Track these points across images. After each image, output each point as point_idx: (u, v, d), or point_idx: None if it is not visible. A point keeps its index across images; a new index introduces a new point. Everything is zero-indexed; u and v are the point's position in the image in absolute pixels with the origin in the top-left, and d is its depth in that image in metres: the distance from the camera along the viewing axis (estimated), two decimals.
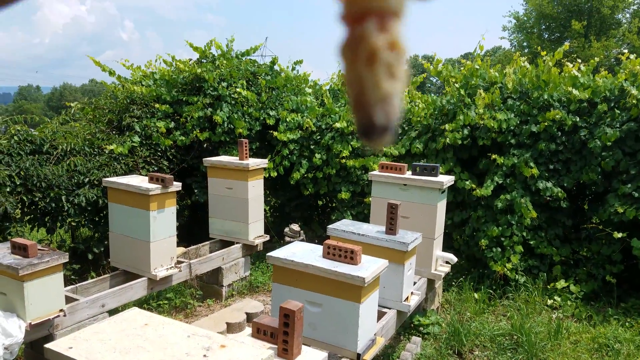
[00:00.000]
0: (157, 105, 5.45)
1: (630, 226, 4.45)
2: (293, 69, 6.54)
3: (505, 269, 4.61)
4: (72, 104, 5.58)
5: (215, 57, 6.15)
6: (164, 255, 3.91)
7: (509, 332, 3.87)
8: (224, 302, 4.54)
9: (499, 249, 4.68)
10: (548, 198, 4.75)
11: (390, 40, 0.28)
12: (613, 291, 4.50)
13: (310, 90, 6.23)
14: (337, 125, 5.44)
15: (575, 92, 4.68)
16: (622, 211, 4.31)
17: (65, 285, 3.45)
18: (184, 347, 1.50)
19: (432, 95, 5.93)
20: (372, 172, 4.14)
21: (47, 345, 1.51)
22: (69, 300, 3.31)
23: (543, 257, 4.83)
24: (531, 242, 4.73)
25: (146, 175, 3.98)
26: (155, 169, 5.14)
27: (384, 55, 0.28)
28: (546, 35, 24.65)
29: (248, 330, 2.15)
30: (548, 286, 4.66)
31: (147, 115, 5.42)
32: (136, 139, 5.07)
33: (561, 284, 4.61)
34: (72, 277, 4.40)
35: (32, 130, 4.76)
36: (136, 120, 5.26)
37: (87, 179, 4.44)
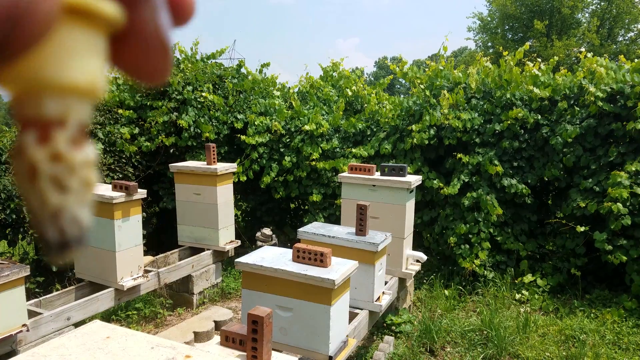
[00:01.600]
0: (120, 111, 5.34)
1: (592, 220, 4.59)
2: (260, 71, 6.51)
3: (474, 265, 4.69)
4: None
5: (180, 61, 6.07)
6: (131, 264, 3.82)
7: (479, 328, 3.93)
8: (195, 310, 4.47)
9: (467, 246, 4.76)
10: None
11: (54, 151, 0.25)
12: (578, 283, 4.63)
13: (278, 93, 6.21)
14: (307, 127, 5.44)
15: (536, 90, 4.81)
16: (584, 205, 4.45)
17: (29, 299, 3.34)
18: (147, 359, 1.46)
19: (402, 96, 6.00)
20: (341, 174, 4.15)
21: None
22: (32, 314, 3.20)
23: (510, 253, 4.94)
24: (498, 238, 4.82)
25: (110, 184, 3.89)
26: (120, 176, 5.03)
27: (46, 169, 0.25)
28: (510, 36, 25.26)
29: (216, 338, 2.12)
30: (516, 281, 4.76)
31: (110, 121, 5.30)
32: (99, 146, 4.94)
33: (528, 278, 4.72)
34: (37, 290, 4.25)
35: None
36: (99, 127, 5.13)
37: None
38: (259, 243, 5.35)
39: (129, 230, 3.77)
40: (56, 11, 0.23)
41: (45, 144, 0.25)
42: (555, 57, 5.26)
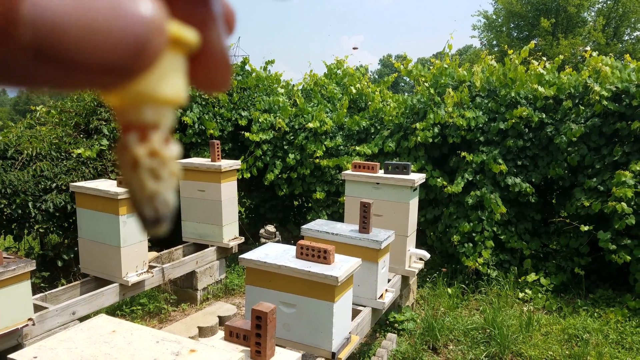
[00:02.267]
0: None
1: (596, 219, 4.58)
2: (265, 68, 6.51)
3: (477, 264, 4.70)
4: (37, 108, 5.44)
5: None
6: (136, 260, 3.85)
7: (482, 326, 3.94)
8: (199, 306, 4.49)
9: (471, 245, 4.76)
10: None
11: (151, 149, 0.33)
12: (581, 283, 4.63)
13: (282, 90, 6.22)
14: (310, 125, 5.45)
15: (541, 89, 4.80)
16: (588, 205, 4.44)
17: (35, 294, 3.37)
18: (152, 353, 1.48)
19: (406, 94, 6.00)
20: (345, 172, 4.15)
21: (11, 356, 1.47)
22: (38, 308, 3.23)
23: (513, 251, 4.94)
24: (502, 237, 4.82)
25: (115, 179, 3.91)
26: None
27: (145, 162, 0.33)
28: (515, 34, 25.17)
29: (220, 333, 2.14)
30: (519, 279, 4.76)
31: (116, 117, 5.32)
32: (104, 142, 4.97)
33: (532, 277, 4.72)
34: (42, 284, 4.29)
35: None
36: (104, 123, 5.16)
37: (55, 184, 4.33)
38: (263, 240, 5.37)
39: (134, 226, 3.79)
40: (165, 43, 0.29)
41: (144, 143, 0.33)
42: (560, 55, 5.25)
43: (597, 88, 4.55)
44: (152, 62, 0.28)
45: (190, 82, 0.34)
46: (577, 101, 4.80)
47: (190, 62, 0.33)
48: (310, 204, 6.02)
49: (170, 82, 0.31)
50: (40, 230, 4.42)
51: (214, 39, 0.33)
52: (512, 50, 5.35)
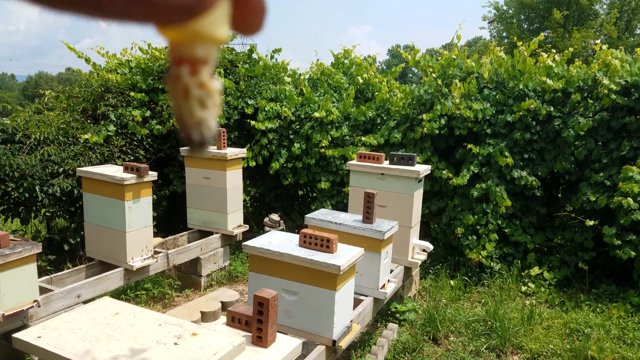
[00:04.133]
0: (132, 94, 5.37)
1: (602, 214, 4.56)
2: (272, 57, 6.50)
3: (481, 257, 4.70)
4: (45, 92, 5.46)
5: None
6: (140, 245, 3.88)
7: (484, 318, 3.95)
8: (203, 292, 4.53)
9: (475, 237, 4.76)
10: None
11: (200, 81, 0.38)
12: (585, 277, 4.62)
13: (289, 79, 6.20)
14: (316, 114, 5.43)
15: (549, 82, 4.75)
16: (594, 199, 4.42)
17: (40, 276, 3.41)
18: (154, 335, 1.50)
19: (413, 85, 5.97)
20: (350, 162, 4.15)
21: (15, 335, 1.50)
22: (43, 291, 3.27)
23: (517, 245, 4.93)
24: (506, 230, 4.81)
25: (121, 165, 3.93)
26: (132, 158, 5.08)
27: (195, 92, 0.38)
28: (525, 26, 24.90)
29: (223, 319, 2.16)
30: (522, 273, 4.76)
31: (123, 104, 5.33)
32: (111, 128, 4.99)
33: (535, 270, 4.72)
34: (48, 267, 4.34)
35: (4, 119, 4.66)
36: (111, 109, 5.18)
37: (62, 169, 4.37)
38: (267, 228, 5.39)
39: (139, 212, 3.82)
40: None
41: (195, 75, 0.37)
42: (570, 48, 5.19)
43: (606, 82, 4.51)
44: (213, 6, 0.33)
45: (231, 26, 0.38)
46: (585, 94, 4.76)
47: (232, 6, 0.37)
48: (314, 194, 6.03)
49: (219, 23, 0.36)
50: (47, 214, 4.46)
51: None
52: (521, 42, 5.30)
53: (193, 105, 0.38)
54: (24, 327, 3.02)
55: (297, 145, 5.53)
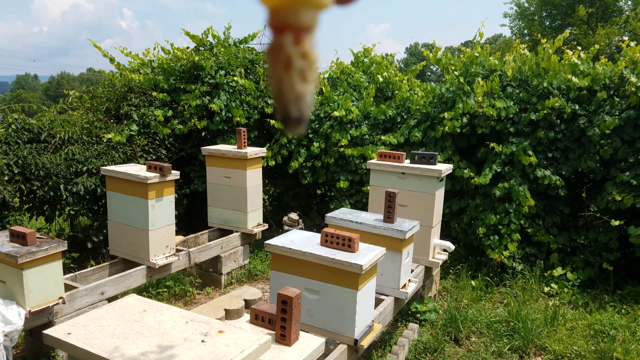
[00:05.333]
0: (154, 94, 5.43)
1: (628, 214, 4.46)
2: None
3: (503, 257, 4.64)
4: (70, 92, 5.56)
5: (213, 45, 6.12)
6: (163, 243, 3.92)
7: (506, 319, 3.90)
8: (223, 290, 4.57)
9: (497, 237, 4.70)
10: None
11: (303, 51, 0.35)
12: (610, 278, 4.53)
13: None
14: (336, 113, 5.43)
15: (574, 79, 4.66)
16: (619, 199, 4.32)
17: (65, 274, 3.47)
18: (182, 332, 1.51)
19: (432, 84, 5.91)
20: (370, 161, 4.13)
21: (46, 331, 1.52)
22: (68, 288, 3.33)
23: (540, 245, 4.85)
24: (529, 230, 4.74)
25: (144, 164, 3.98)
26: (154, 157, 5.14)
27: (297, 63, 0.35)
28: (547, 23, 24.49)
29: (246, 316, 2.17)
30: (545, 274, 4.68)
31: (145, 103, 5.40)
32: (134, 127, 5.06)
33: (558, 271, 4.64)
34: (72, 265, 4.42)
35: (30, 119, 4.75)
36: (134, 109, 5.25)
37: (86, 168, 4.44)
38: (286, 227, 5.41)
39: (162, 210, 3.86)
40: None
41: (298, 44, 0.35)
42: (596, 45, 5.08)
43: (633, 79, 4.40)
44: None
45: None
46: (611, 92, 4.66)
47: None
48: (333, 193, 6.02)
49: None
50: (71, 212, 4.54)
51: None
52: (545, 40, 5.21)
53: (294, 77, 0.36)
54: (49, 323, 3.08)
55: (316, 144, 5.53)
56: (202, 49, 6.12)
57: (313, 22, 0.35)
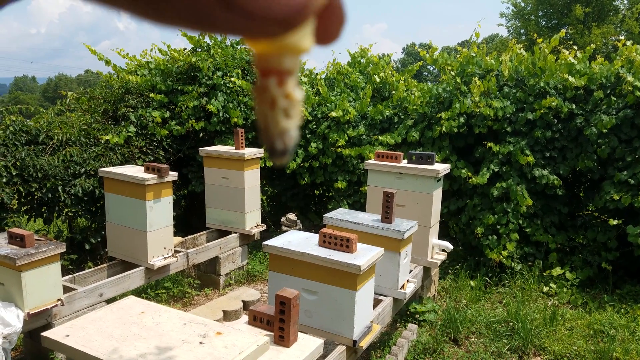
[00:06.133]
0: (152, 95, 5.43)
1: (626, 213, 4.47)
2: None
3: (501, 257, 4.64)
4: (67, 94, 5.55)
5: (210, 46, 6.11)
6: (161, 244, 3.92)
7: (505, 319, 3.90)
8: (222, 291, 4.56)
9: (495, 237, 4.70)
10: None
11: (286, 92, 0.38)
12: (608, 278, 4.54)
13: (305, 79, 6.21)
14: (333, 114, 5.43)
15: (571, 79, 4.67)
16: (617, 198, 4.33)
17: (63, 275, 3.46)
18: (180, 334, 1.51)
19: (429, 84, 5.91)
20: (368, 161, 4.14)
21: (44, 334, 1.52)
22: (66, 289, 3.32)
23: (539, 245, 4.86)
24: (527, 230, 4.75)
25: (142, 165, 3.97)
26: (152, 158, 5.13)
27: (281, 103, 0.38)
28: (544, 22, 24.55)
29: (244, 318, 2.17)
30: (544, 273, 4.69)
31: (143, 105, 5.39)
32: (132, 129, 5.05)
33: (557, 271, 4.64)
34: (70, 267, 4.41)
35: (28, 120, 4.74)
36: (131, 110, 5.24)
37: (83, 169, 4.43)
38: (284, 228, 5.41)
39: (160, 211, 3.86)
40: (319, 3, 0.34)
41: (282, 86, 0.38)
42: (592, 45, 5.09)
43: (630, 78, 4.41)
44: (307, 19, 0.33)
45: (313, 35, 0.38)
46: (608, 92, 4.67)
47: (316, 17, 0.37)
48: (331, 193, 6.02)
49: (304, 36, 0.36)
50: (69, 213, 4.53)
51: None
52: (541, 39, 5.21)
53: (279, 115, 0.39)
54: (48, 325, 3.07)
55: (313, 144, 5.53)
56: (199, 50, 6.11)
57: (295, 65, 0.38)
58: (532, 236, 4.76)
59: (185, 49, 6.18)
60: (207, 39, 6.21)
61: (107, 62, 5.89)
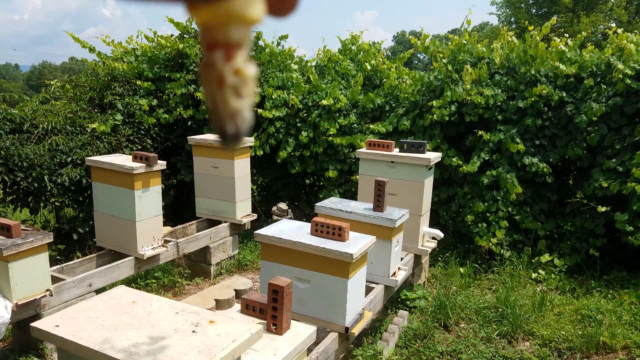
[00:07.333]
0: (139, 82, 5.34)
1: (614, 200, 4.52)
2: (278, 44, 6.43)
3: (491, 244, 4.67)
4: (52, 82, 5.44)
5: (198, 33, 6.02)
6: (151, 234, 3.88)
7: (494, 305, 3.94)
8: (213, 280, 4.54)
9: (485, 225, 4.73)
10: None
11: (236, 67, 0.35)
12: (596, 264, 4.59)
13: (296, 67, 6.15)
14: (324, 102, 5.39)
15: (562, 67, 4.68)
16: (606, 185, 4.37)
17: (51, 266, 3.42)
18: (172, 323, 1.49)
19: (420, 72, 5.89)
20: (359, 150, 4.12)
21: (33, 324, 1.49)
22: (55, 280, 3.28)
23: (528, 232, 4.90)
24: (516, 217, 4.78)
25: (130, 154, 3.92)
26: (139, 147, 5.06)
27: (230, 80, 0.35)
28: (534, 10, 24.59)
29: (237, 306, 2.16)
30: (533, 260, 4.73)
31: (129, 92, 5.31)
32: (119, 117, 4.97)
33: (545, 257, 4.69)
34: (58, 257, 4.35)
35: (12, 109, 4.64)
36: (118, 98, 5.15)
37: (70, 158, 4.36)
38: (275, 217, 5.39)
39: (149, 201, 3.81)
40: None
41: (230, 61, 0.35)
42: (583, 32, 5.10)
43: (620, 66, 4.43)
44: None
45: (265, 6, 0.35)
46: (599, 79, 4.69)
47: None
48: (322, 182, 6.00)
49: (253, 4, 0.33)
50: (56, 203, 4.47)
51: None
52: (532, 27, 5.21)
53: (228, 94, 0.35)
54: (37, 316, 3.03)
55: (304, 133, 5.50)
56: (187, 36, 6.01)
57: (244, 37, 0.35)
58: (522, 223, 4.79)
59: (172, 35, 6.08)
60: (194, 25, 6.12)
61: (92, 50, 5.77)
